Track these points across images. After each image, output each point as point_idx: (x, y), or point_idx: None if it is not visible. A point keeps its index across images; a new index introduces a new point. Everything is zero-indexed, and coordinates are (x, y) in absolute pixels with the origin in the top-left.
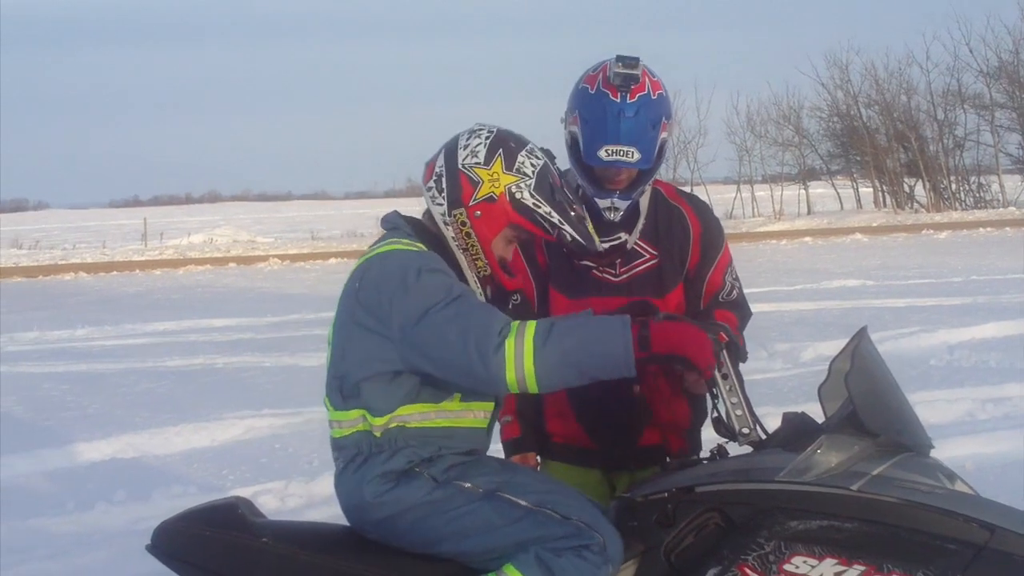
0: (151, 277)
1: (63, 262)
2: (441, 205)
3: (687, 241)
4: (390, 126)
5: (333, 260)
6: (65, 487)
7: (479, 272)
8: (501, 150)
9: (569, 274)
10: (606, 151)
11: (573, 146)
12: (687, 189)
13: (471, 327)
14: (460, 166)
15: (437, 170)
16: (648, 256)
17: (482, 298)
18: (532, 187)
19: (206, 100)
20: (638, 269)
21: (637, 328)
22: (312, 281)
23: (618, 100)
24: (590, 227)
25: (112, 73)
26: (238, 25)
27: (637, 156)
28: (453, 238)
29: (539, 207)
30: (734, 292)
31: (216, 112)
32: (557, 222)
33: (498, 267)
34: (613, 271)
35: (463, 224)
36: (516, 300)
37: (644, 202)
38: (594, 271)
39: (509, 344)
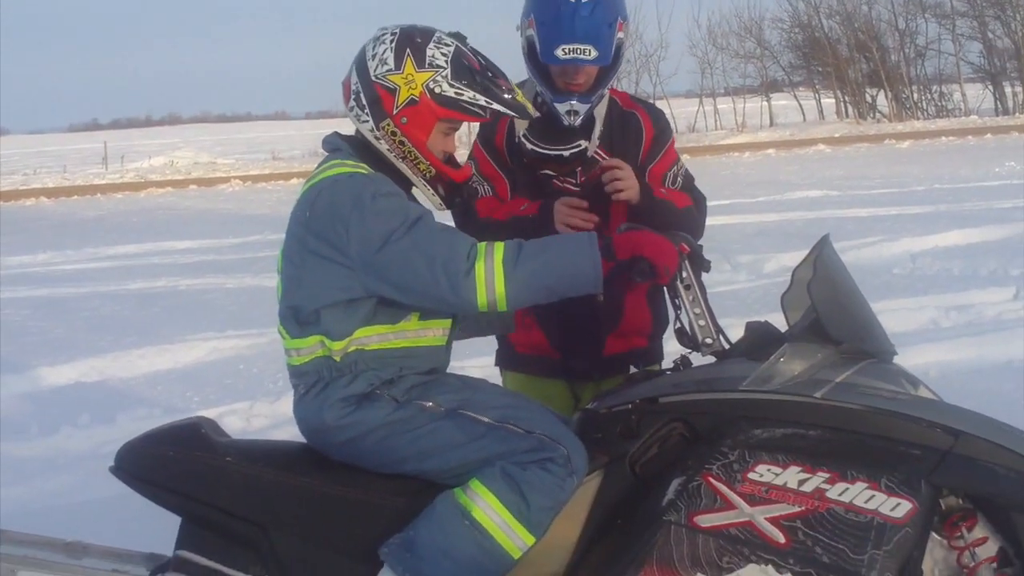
0: (112, 201)
1: (23, 187)
2: (367, 122)
3: (639, 143)
4: (350, 44)
5: (295, 180)
6: (29, 412)
7: (424, 175)
8: (408, 49)
9: (531, 182)
10: (563, 50)
11: (531, 51)
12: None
13: (437, 253)
14: (373, 78)
15: (353, 87)
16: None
17: (437, 200)
18: (449, 77)
19: (164, 20)
20: (597, 177)
21: (600, 241)
22: (274, 202)
23: (573, 0)
24: (520, 96)
25: None
26: None
27: (595, 53)
28: (388, 150)
29: (461, 95)
30: (678, 180)
31: (175, 33)
32: (484, 103)
33: (441, 164)
34: (574, 179)
35: (393, 134)
36: (476, 188)
37: (601, 110)
38: (555, 180)
39: (479, 268)
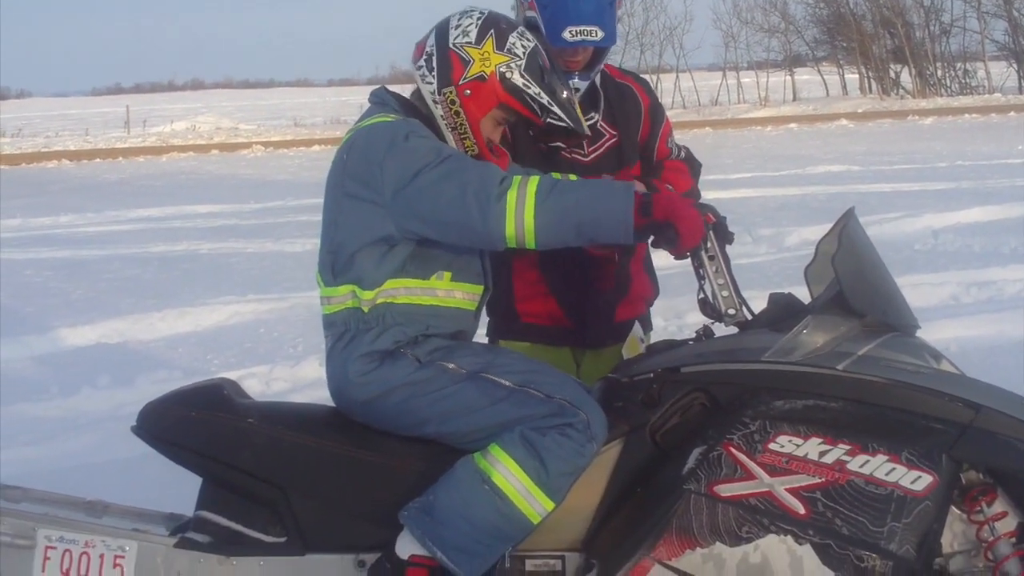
0: (134, 164)
1: (46, 150)
2: (431, 84)
3: (639, 115)
4: (373, 13)
5: (316, 147)
6: (49, 373)
7: (467, 152)
8: (492, 30)
9: (537, 157)
10: (570, 32)
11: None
12: (673, 76)
13: (470, 180)
14: (451, 45)
15: (428, 49)
16: (608, 135)
17: None
18: (522, 68)
19: None
20: (603, 148)
21: (639, 195)
22: (295, 168)
23: None
24: (578, 110)
25: None
26: None
27: (601, 34)
28: (442, 116)
29: (528, 87)
30: (681, 152)
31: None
32: (547, 103)
33: (486, 148)
34: (582, 151)
35: (452, 103)
36: None
37: (598, 80)
38: (563, 152)
39: (511, 195)
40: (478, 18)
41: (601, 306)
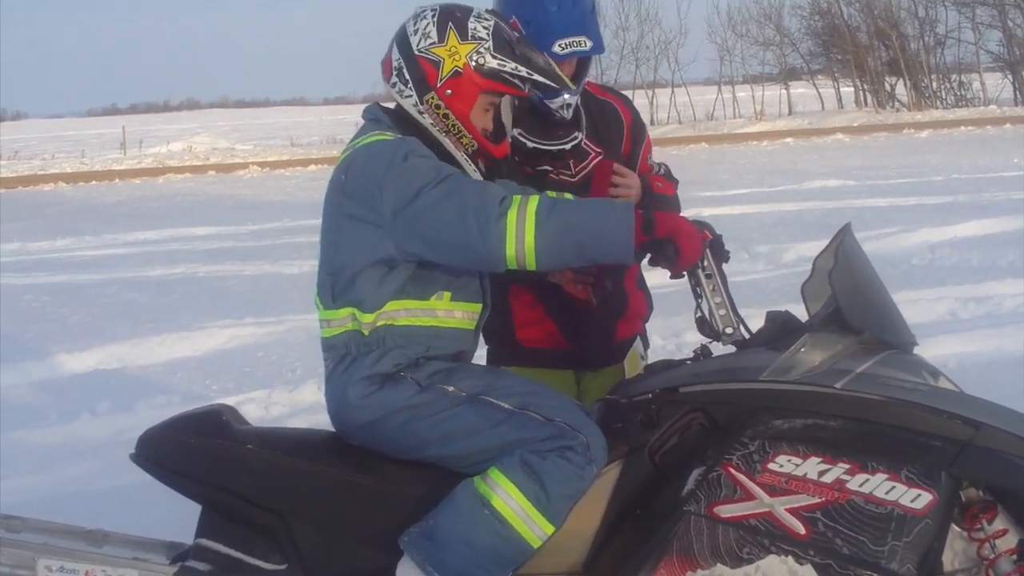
0: (131, 186)
1: (42, 172)
2: (411, 96)
3: (621, 131)
4: (369, 31)
5: (313, 167)
6: (48, 399)
7: (466, 150)
8: (451, 23)
9: (523, 179)
10: (560, 45)
11: None
12: (668, 91)
13: (469, 199)
14: (416, 51)
15: (395, 64)
16: (594, 154)
17: (478, 175)
18: (492, 49)
19: (182, 6)
20: (590, 166)
21: (641, 213)
22: (292, 188)
23: None
24: (557, 69)
25: None
26: None
27: (590, 43)
28: (432, 124)
29: (504, 65)
30: (660, 170)
31: (193, 19)
32: (526, 75)
33: (483, 138)
34: (569, 172)
35: (437, 107)
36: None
37: (579, 100)
38: (551, 175)
39: (511, 216)
40: (432, 16)
41: (599, 326)
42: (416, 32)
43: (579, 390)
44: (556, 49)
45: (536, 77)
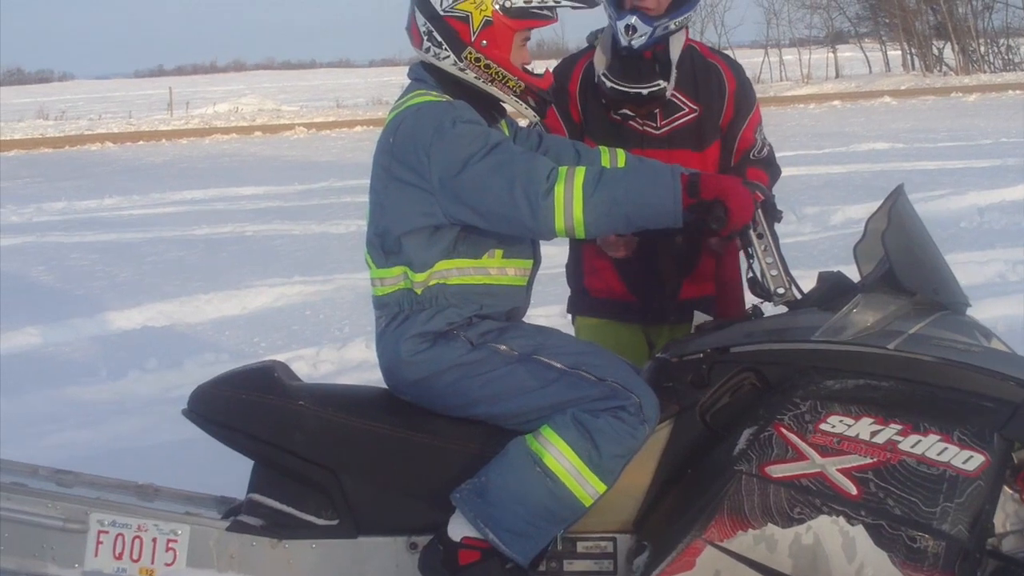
0: (177, 147)
1: (89, 132)
2: (448, 56)
3: (723, 96)
4: None
5: (359, 128)
6: (97, 356)
7: (514, 91)
8: None
9: (608, 127)
10: None
11: None
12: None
13: (517, 174)
14: (442, 12)
15: (423, 29)
16: (688, 110)
17: (531, 112)
18: None
19: None
20: (679, 122)
21: (686, 176)
22: (338, 149)
23: None
24: None
25: None
26: None
27: None
28: (476, 78)
29: (530, 1)
30: (765, 149)
31: None
32: (553, 3)
33: (527, 75)
34: (654, 123)
35: (477, 60)
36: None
37: (676, 52)
38: (633, 122)
39: (558, 190)
40: None
41: (664, 282)
42: None
43: (651, 348)
44: None
45: (563, 3)
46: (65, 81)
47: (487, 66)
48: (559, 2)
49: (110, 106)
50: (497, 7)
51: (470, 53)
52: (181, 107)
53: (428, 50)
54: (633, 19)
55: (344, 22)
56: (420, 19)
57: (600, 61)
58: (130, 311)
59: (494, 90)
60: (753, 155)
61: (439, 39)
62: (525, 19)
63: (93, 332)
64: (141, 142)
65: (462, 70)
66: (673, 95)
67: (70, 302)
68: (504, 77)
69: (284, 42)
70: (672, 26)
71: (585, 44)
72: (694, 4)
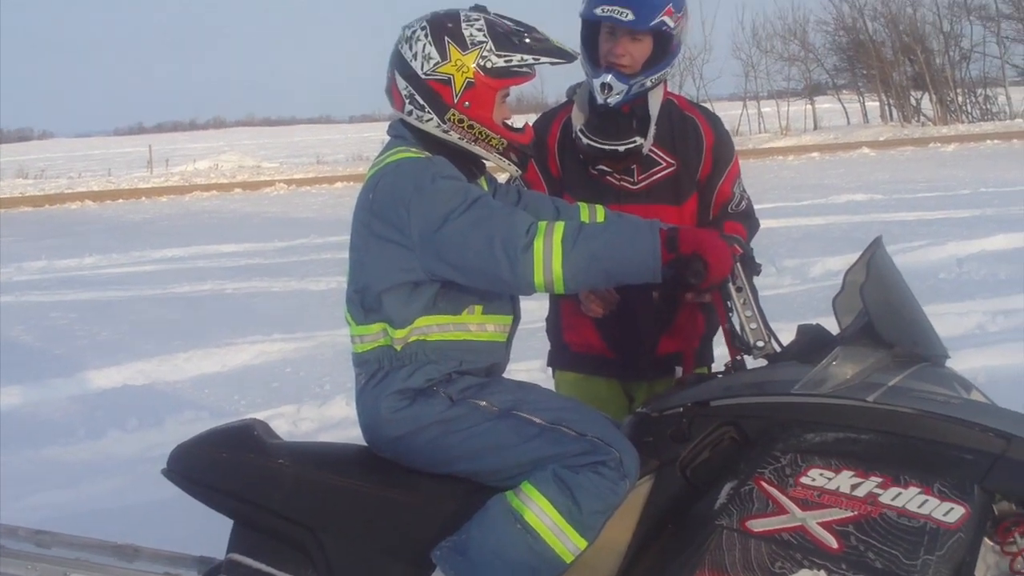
0: (157, 204)
1: (69, 191)
2: (431, 119)
3: (700, 150)
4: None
5: (339, 184)
6: (76, 415)
7: (497, 149)
8: (446, 37)
9: (586, 181)
10: (602, 8)
11: (582, 24)
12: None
13: (497, 229)
14: (424, 75)
15: (403, 92)
16: (665, 164)
17: (513, 168)
18: (494, 49)
19: (209, 25)
20: (656, 177)
21: (664, 231)
22: (319, 205)
23: None
24: (556, 42)
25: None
26: None
27: (631, 16)
28: (459, 138)
29: (511, 60)
30: (743, 203)
31: (220, 37)
32: (532, 60)
33: (508, 132)
34: (631, 178)
35: (461, 121)
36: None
37: (655, 108)
38: (610, 178)
39: (538, 245)
40: (425, 34)
41: (641, 338)
42: (416, 56)
43: (631, 403)
44: (597, 10)
45: (542, 60)
46: (45, 140)
47: (470, 126)
48: (538, 59)
49: (90, 164)
50: (479, 68)
51: (453, 115)
52: (161, 165)
53: (410, 112)
54: (609, 77)
55: (325, 78)
56: (401, 82)
57: (577, 117)
58: (110, 370)
59: (477, 149)
60: (731, 208)
61: (421, 102)
62: (506, 78)
63: (73, 391)
64: (121, 200)
65: (445, 131)
66: (651, 150)
67: (50, 361)
68: (487, 136)
69: (264, 98)
70: (648, 83)
71: (564, 98)
72: (671, 61)
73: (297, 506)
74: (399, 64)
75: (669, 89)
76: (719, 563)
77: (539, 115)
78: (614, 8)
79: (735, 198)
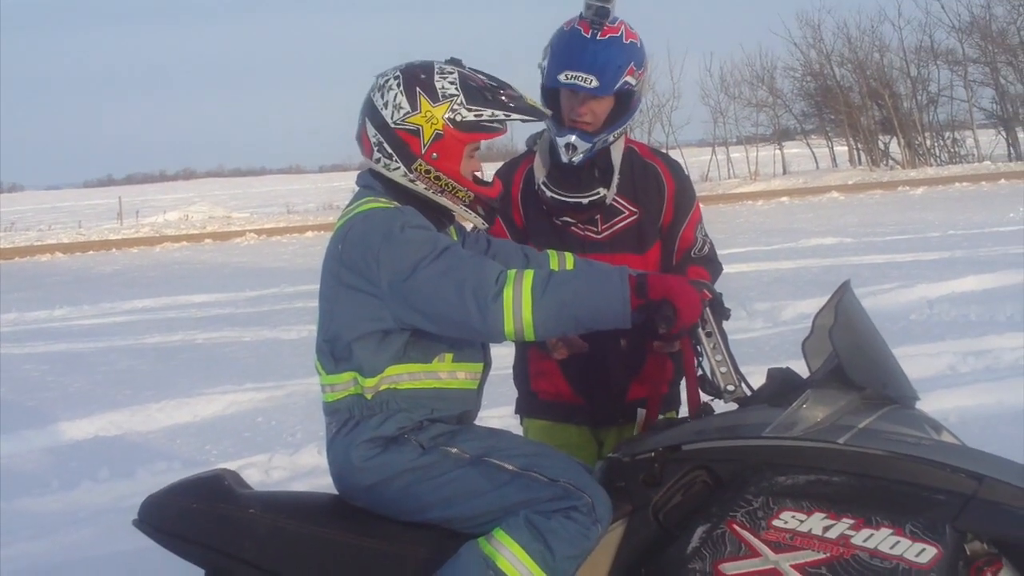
0: (128, 255)
1: (39, 243)
2: (398, 168)
3: (662, 198)
4: (363, 98)
5: (310, 233)
6: (48, 467)
7: (464, 201)
8: (418, 87)
9: (550, 231)
10: (566, 75)
11: (543, 83)
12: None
13: (466, 278)
14: (393, 124)
15: (373, 140)
16: (628, 213)
17: (479, 220)
18: (464, 103)
19: (178, 77)
20: (619, 226)
21: (633, 277)
22: (289, 255)
23: (588, 35)
24: (530, 100)
25: (84, 53)
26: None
27: (595, 83)
28: (425, 189)
29: (481, 115)
30: (706, 247)
31: (188, 89)
32: (503, 116)
33: (476, 185)
34: (595, 228)
35: (427, 172)
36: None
37: (617, 158)
38: (574, 228)
39: (507, 293)
40: (397, 84)
41: (610, 384)
42: (387, 105)
43: (600, 448)
44: (561, 77)
45: (513, 117)
46: (14, 192)
47: (437, 177)
48: (509, 115)
49: (60, 216)
50: (448, 121)
51: (420, 165)
52: (131, 216)
53: (378, 160)
54: (572, 138)
55: (294, 129)
56: (371, 130)
57: (540, 169)
58: (81, 421)
59: (444, 200)
60: (694, 253)
61: (389, 150)
62: (475, 132)
63: (44, 443)
64: (91, 252)
65: (412, 181)
66: (614, 200)
67: (21, 413)
68: (454, 188)
69: (234, 149)
70: (611, 139)
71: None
72: (631, 115)
73: (269, 555)
74: (370, 112)
75: (637, 137)
76: None
77: (502, 164)
78: (578, 75)
79: (698, 243)
